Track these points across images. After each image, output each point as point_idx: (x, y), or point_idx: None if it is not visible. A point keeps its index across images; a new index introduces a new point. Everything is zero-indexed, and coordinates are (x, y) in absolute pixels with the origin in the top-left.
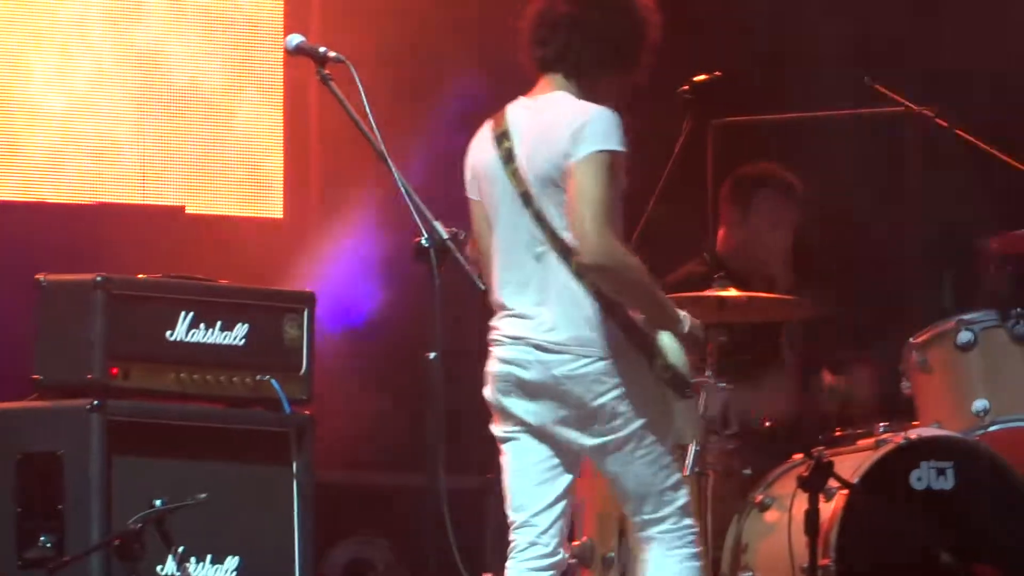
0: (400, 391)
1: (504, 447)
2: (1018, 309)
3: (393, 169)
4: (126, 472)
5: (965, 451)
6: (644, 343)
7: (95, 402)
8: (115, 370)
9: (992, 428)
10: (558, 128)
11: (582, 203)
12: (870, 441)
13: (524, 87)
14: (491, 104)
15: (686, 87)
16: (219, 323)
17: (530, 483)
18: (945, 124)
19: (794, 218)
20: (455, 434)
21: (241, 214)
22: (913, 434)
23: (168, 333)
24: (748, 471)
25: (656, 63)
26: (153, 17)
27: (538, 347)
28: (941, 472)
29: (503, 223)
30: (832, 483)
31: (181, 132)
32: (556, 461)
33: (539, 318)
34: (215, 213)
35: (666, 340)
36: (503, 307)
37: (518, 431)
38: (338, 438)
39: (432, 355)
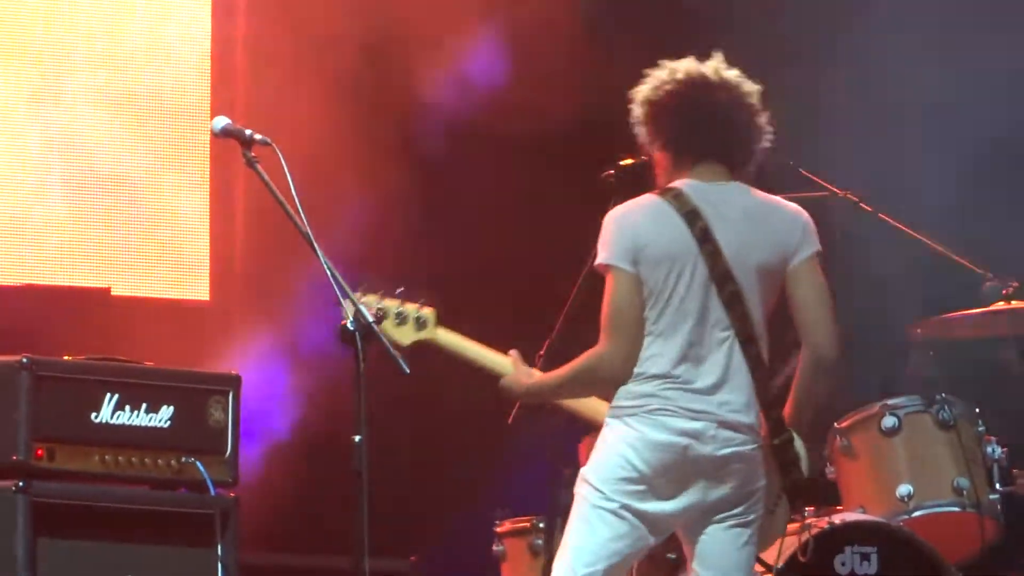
0: (327, 473)
1: (612, 514)
2: (942, 395)
3: (318, 251)
4: (51, 553)
5: (889, 536)
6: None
7: (20, 483)
8: (40, 451)
9: (916, 513)
10: (785, 221)
11: (824, 301)
12: (795, 525)
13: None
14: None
15: (611, 171)
16: (144, 405)
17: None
18: (869, 208)
19: None
20: (380, 517)
21: (167, 296)
22: (837, 519)
23: (93, 415)
24: (673, 555)
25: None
26: (78, 101)
27: (723, 423)
28: (865, 557)
29: (688, 300)
30: (757, 568)
31: (107, 214)
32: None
33: (721, 397)
34: (141, 295)
35: (801, 448)
36: (676, 380)
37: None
38: (263, 520)
39: (357, 438)
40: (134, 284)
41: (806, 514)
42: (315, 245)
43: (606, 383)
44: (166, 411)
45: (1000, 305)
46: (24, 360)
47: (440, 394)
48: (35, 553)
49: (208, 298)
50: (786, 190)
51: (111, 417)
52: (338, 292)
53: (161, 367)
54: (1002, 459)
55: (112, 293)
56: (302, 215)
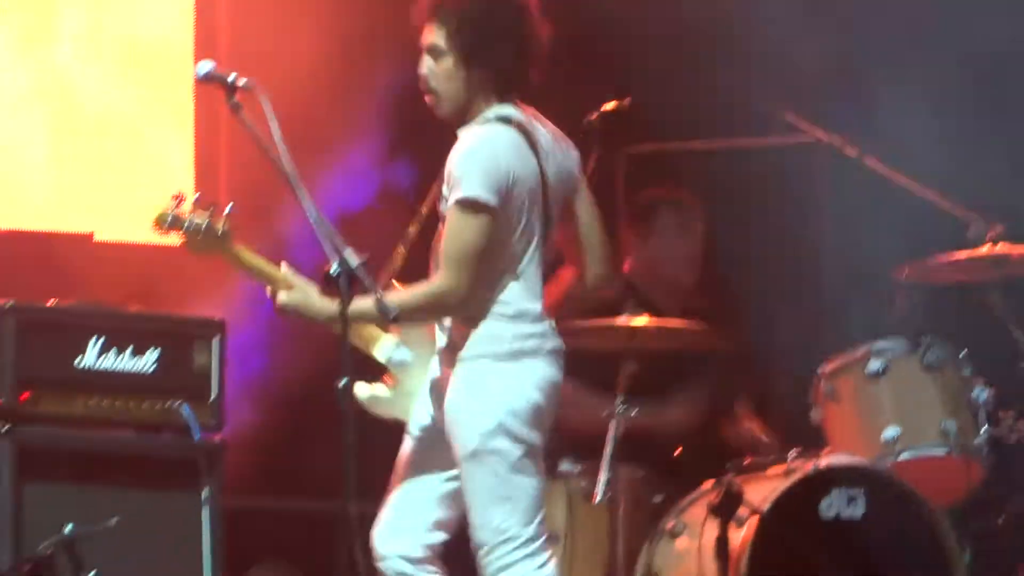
0: (311, 417)
1: (532, 458)
2: (928, 337)
3: (303, 196)
4: (36, 498)
5: (875, 479)
6: None
7: (5, 427)
8: (25, 396)
9: (903, 456)
10: (570, 149)
11: (600, 228)
12: (781, 468)
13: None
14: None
15: (594, 116)
16: (129, 349)
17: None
18: (853, 154)
19: (696, 229)
20: (365, 460)
21: (151, 241)
22: (823, 462)
23: (78, 359)
24: (658, 498)
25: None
26: (66, 43)
27: None
28: (851, 499)
29: (536, 235)
30: (743, 510)
31: (91, 159)
32: None
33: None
34: (125, 240)
35: None
36: (544, 319)
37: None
38: (248, 464)
39: (342, 382)
40: (118, 228)
41: (790, 457)
42: (299, 189)
43: (445, 316)
44: (151, 355)
45: (985, 249)
46: (8, 305)
47: None
48: (20, 498)
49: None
50: (769, 135)
51: (96, 362)
52: (322, 237)
53: (145, 311)
54: (988, 402)
55: (96, 238)
56: (287, 160)
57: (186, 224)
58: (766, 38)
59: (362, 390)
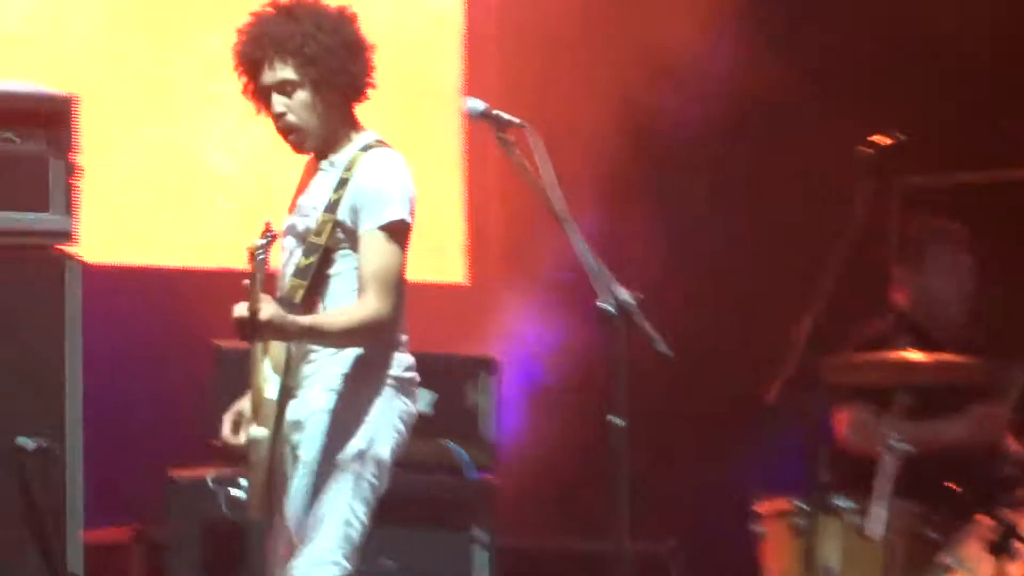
0: (585, 456)
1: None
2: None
3: (574, 233)
4: None
5: None
6: None
7: None
8: None
9: None
10: None
11: None
12: None
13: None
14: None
15: (868, 148)
16: None
17: None
18: None
19: (967, 262)
20: (640, 499)
21: (423, 279)
22: None
23: None
24: (934, 534)
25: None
26: None
27: None
28: None
29: None
30: (1020, 545)
31: None
32: None
33: None
34: None
35: None
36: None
37: None
38: (522, 503)
39: (616, 420)
40: None
41: None
42: (571, 226)
43: (371, 342)
44: (424, 395)
45: None
46: None
47: (694, 374)
48: None
49: (465, 281)
50: None
51: None
52: (594, 274)
53: (419, 351)
54: None
55: None
56: (558, 196)
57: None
58: None
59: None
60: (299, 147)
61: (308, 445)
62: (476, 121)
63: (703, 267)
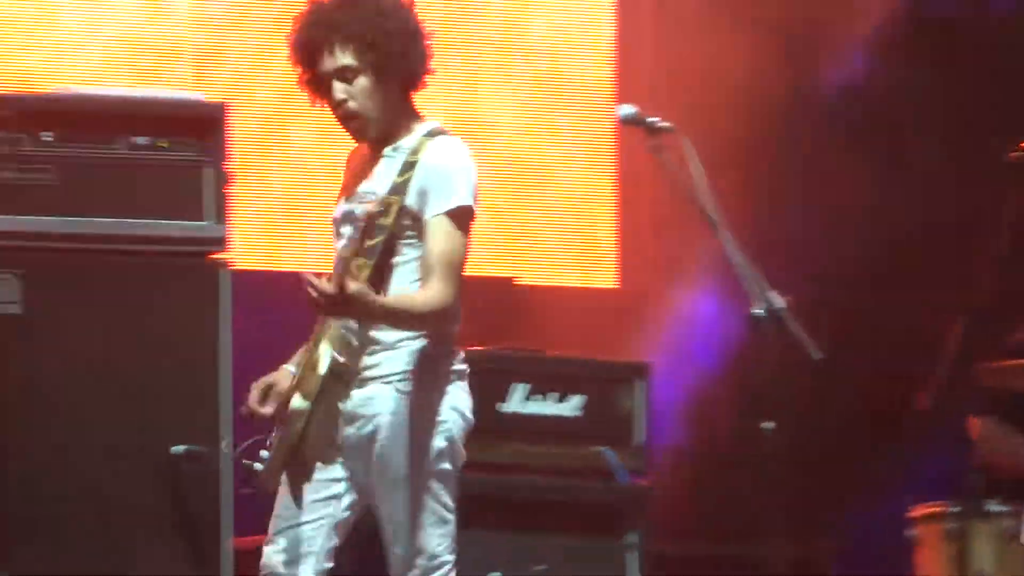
0: (736, 460)
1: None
2: None
3: (726, 239)
4: (464, 544)
5: None
6: None
7: None
8: None
9: None
10: None
11: None
12: None
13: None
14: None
15: (1016, 154)
16: (553, 394)
17: None
18: None
19: None
20: (794, 502)
21: (574, 284)
22: None
23: (501, 405)
24: None
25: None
26: (485, 86)
27: None
28: None
29: None
30: None
31: (512, 202)
32: None
33: None
34: (547, 283)
35: None
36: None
37: None
38: (674, 508)
39: (767, 425)
40: (540, 272)
41: None
42: (722, 231)
43: (439, 328)
44: (576, 400)
45: None
46: None
47: (846, 377)
48: None
49: (616, 285)
50: None
51: (521, 407)
52: (746, 279)
53: (570, 356)
54: None
55: (518, 282)
56: (709, 201)
57: None
58: None
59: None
60: (361, 135)
61: (390, 457)
62: (627, 126)
63: (855, 270)
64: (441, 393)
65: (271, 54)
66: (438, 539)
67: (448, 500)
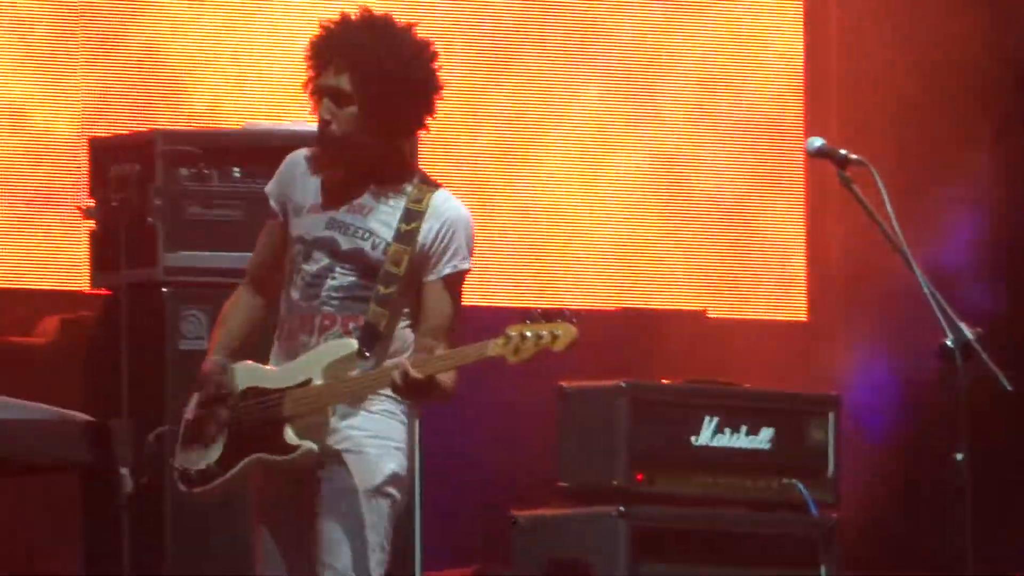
0: (926, 491)
1: None
2: None
3: (916, 269)
4: None
5: None
6: None
7: (621, 508)
8: (640, 476)
9: None
10: None
11: None
12: None
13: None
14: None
15: None
16: (744, 427)
17: None
18: None
19: None
20: (982, 535)
21: (764, 317)
22: None
23: (693, 438)
24: None
25: None
26: (671, 120)
27: None
28: None
29: None
30: None
31: (702, 235)
32: None
33: None
34: (738, 316)
35: None
36: None
37: None
38: (865, 540)
39: (959, 456)
40: (730, 305)
41: None
42: (913, 264)
43: None
44: (766, 433)
45: None
46: (623, 385)
47: None
48: None
49: (806, 318)
50: None
51: (711, 440)
52: (936, 310)
53: (760, 389)
54: None
55: (708, 315)
56: (899, 234)
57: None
58: None
59: None
60: (334, 161)
61: (366, 471)
62: (817, 158)
63: None
64: (404, 424)
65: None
66: (372, 568)
67: (389, 529)
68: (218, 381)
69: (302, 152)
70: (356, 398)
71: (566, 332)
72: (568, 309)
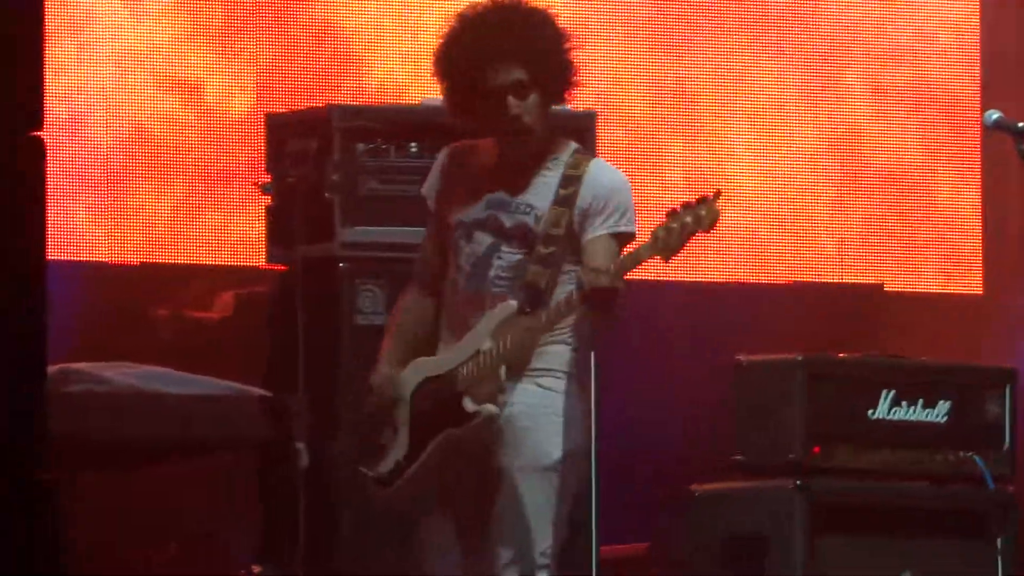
0: None
1: None
2: None
3: None
4: (828, 552)
5: None
6: None
7: (798, 482)
8: (816, 449)
9: None
10: None
11: None
12: None
13: None
14: None
15: None
16: (921, 400)
17: None
18: None
19: None
20: None
21: (939, 291)
22: None
23: (870, 411)
24: None
25: None
26: (851, 96)
27: None
28: None
29: None
30: None
31: (880, 209)
32: None
33: None
34: (914, 290)
35: None
36: None
37: None
38: None
39: None
40: (907, 279)
41: None
42: None
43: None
44: (943, 406)
45: None
46: (799, 358)
47: None
48: (813, 553)
49: (981, 291)
50: None
51: (888, 413)
52: None
53: (936, 362)
54: None
55: (885, 288)
56: None
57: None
58: None
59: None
60: (522, 149)
61: (537, 448)
62: (994, 132)
63: None
64: (582, 399)
65: (638, 59)
66: (548, 543)
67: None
68: (386, 395)
69: (451, 147)
70: (525, 351)
71: (710, 212)
72: (707, 194)
